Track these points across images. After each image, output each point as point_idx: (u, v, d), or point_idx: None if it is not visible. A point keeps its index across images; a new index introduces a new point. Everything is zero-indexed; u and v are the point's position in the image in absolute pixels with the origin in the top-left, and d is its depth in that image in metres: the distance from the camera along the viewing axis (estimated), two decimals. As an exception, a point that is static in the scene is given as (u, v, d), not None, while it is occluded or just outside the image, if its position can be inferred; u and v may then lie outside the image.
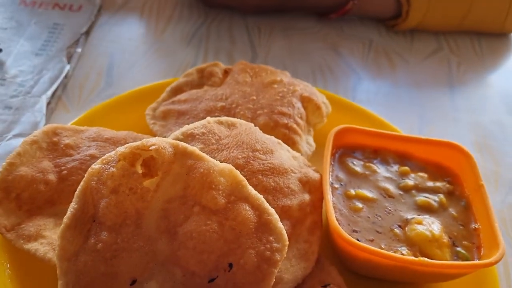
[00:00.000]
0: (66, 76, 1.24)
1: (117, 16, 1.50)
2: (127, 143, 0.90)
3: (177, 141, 0.74)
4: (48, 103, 1.16)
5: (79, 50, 1.32)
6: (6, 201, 0.82)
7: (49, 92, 1.18)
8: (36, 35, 1.34)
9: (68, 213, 0.70)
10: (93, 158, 0.86)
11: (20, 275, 0.80)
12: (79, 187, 0.72)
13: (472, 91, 1.41)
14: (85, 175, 0.72)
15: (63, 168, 0.85)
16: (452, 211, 0.87)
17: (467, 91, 1.40)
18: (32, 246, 0.78)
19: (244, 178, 0.73)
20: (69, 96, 1.21)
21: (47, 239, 0.79)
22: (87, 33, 1.39)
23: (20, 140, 0.97)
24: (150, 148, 0.71)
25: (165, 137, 0.95)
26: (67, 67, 1.26)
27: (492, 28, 1.58)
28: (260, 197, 0.72)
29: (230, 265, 0.68)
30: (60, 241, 0.69)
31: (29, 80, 1.20)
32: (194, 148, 0.74)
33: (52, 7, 1.44)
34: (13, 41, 1.31)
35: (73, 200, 0.71)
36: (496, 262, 0.75)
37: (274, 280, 0.69)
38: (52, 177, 0.84)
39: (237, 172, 0.73)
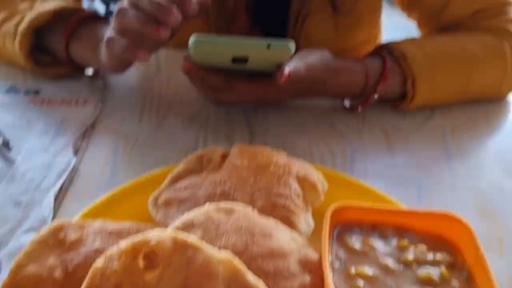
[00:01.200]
0: (72, 169, 1.29)
1: (120, 105, 1.57)
2: (130, 234, 0.94)
3: (176, 233, 0.77)
4: (56, 197, 1.20)
5: (85, 143, 1.39)
6: (14, 301, 0.84)
7: (57, 186, 1.22)
8: (44, 131, 1.41)
9: (73, 312, 0.72)
10: (98, 252, 0.88)
11: None
12: (84, 283, 0.74)
13: (469, 156, 1.44)
14: (89, 271, 0.75)
15: (69, 264, 0.87)
16: (454, 282, 0.87)
17: (463, 157, 1.43)
18: None
19: (243, 267, 0.75)
20: (76, 188, 1.25)
21: (54, 338, 0.80)
22: (92, 125, 1.46)
23: (29, 236, 1.01)
24: (151, 242, 0.74)
25: (167, 225, 0.98)
26: (74, 160, 1.31)
27: (490, 96, 1.63)
28: (260, 284, 0.73)
29: None
30: None
31: (38, 176, 1.25)
32: (193, 239, 0.76)
33: (59, 104, 1.53)
34: (23, 139, 1.37)
35: (78, 298, 0.73)
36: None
37: None
38: (58, 273, 0.86)
39: (236, 261, 0.75)
